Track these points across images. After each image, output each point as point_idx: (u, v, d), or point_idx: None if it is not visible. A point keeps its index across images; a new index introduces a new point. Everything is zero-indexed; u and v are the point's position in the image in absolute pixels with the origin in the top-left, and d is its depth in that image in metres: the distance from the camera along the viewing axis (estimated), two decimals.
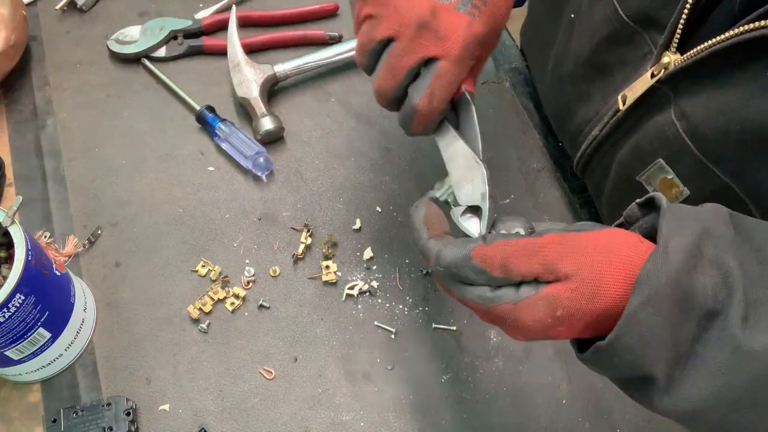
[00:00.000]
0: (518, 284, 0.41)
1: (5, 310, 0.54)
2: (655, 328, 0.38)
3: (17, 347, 0.58)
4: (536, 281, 0.41)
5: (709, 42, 0.47)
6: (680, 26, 0.50)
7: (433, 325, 0.67)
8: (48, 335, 0.60)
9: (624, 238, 0.40)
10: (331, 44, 0.85)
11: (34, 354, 0.61)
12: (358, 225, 0.73)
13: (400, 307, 0.68)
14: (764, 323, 0.37)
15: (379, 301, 0.69)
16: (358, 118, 0.81)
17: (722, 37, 0.46)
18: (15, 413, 0.63)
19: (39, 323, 0.59)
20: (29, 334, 0.58)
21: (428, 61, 0.49)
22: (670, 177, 0.54)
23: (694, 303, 0.38)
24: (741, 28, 0.45)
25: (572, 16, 0.65)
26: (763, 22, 0.43)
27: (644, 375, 0.40)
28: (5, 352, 0.58)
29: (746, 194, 0.48)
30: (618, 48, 0.59)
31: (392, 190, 0.76)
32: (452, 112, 0.53)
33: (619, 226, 0.44)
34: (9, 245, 0.60)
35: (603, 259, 0.39)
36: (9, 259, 0.62)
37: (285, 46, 0.87)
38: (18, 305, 0.55)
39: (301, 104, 0.82)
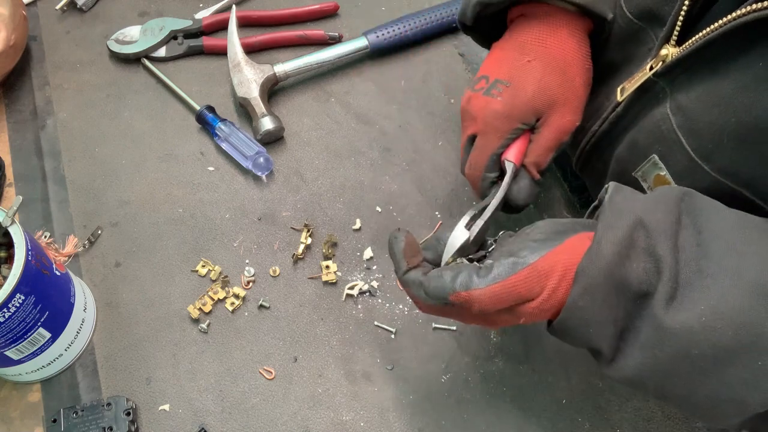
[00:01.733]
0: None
1: (5, 310, 0.54)
2: (593, 312, 0.45)
3: (17, 347, 0.58)
4: None
5: (704, 31, 0.48)
6: (680, 19, 0.51)
7: (433, 325, 0.67)
8: (48, 335, 0.60)
9: (577, 247, 0.46)
10: (331, 44, 0.85)
11: (34, 354, 0.61)
12: (358, 225, 0.73)
13: (400, 307, 0.68)
14: (687, 303, 0.43)
15: (379, 301, 0.69)
16: (358, 118, 0.81)
17: (715, 25, 0.47)
18: (15, 413, 0.63)
19: (39, 323, 0.59)
20: (29, 334, 0.58)
21: (474, 138, 0.61)
22: (662, 173, 0.54)
23: (629, 287, 0.44)
24: (735, 13, 0.45)
25: None
26: (752, 6, 0.44)
27: (593, 348, 0.47)
28: (5, 352, 0.58)
29: (741, 186, 0.48)
30: (623, 46, 0.59)
31: (392, 190, 0.76)
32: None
33: (594, 207, 0.50)
34: (9, 245, 0.60)
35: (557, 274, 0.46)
36: (9, 259, 0.62)
37: (285, 46, 0.87)
38: (18, 305, 0.55)
39: (301, 104, 0.82)
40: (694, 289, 0.43)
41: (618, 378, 0.47)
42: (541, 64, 0.58)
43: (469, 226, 0.54)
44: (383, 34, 0.83)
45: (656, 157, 0.55)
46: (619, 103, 0.59)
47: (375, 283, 0.70)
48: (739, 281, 0.42)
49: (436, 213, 0.74)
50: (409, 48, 0.87)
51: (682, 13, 0.50)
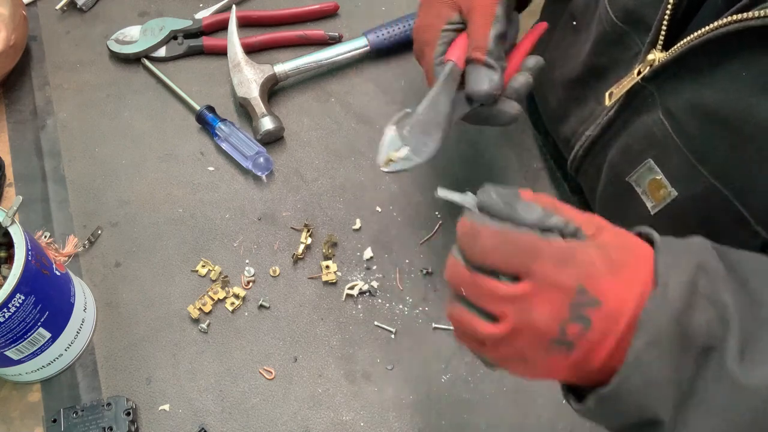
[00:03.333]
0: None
1: (5, 310, 0.54)
2: (659, 369, 0.37)
3: (17, 347, 0.58)
4: (574, 234, 0.40)
5: (688, 38, 0.48)
6: (665, 24, 0.50)
7: (433, 325, 0.67)
8: (48, 335, 0.60)
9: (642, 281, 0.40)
10: (331, 44, 0.84)
11: (34, 354, 0.61)
12: (358, 225, 0.73)
13: (400, 307, 0.68)
14: (760, 357, 0.37)
15: (379, 301, 0.69)
16: (358, 118, 0.81)
17: (699, 32, 0.46)
18: (15, 413, 0.63)
19: (39, 323, 0.59)
20: (29, 334, 0.58)
21: None
22: (658, 178, 0.54)
23: (692, 339, 0.38)
24: (718, 22, 0.45)
25: (574, 23, 0.66)
26: (735, 17, 0.43)
27: (650, 419, 0.39)
28: (5, 352, 0.58)
29: (734, 195, 0.48)
30: (610, 49, 0.59)
31: (392, 190, 0.76)
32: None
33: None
34: (9, 245, 0.60)
35: (637, 241, 0.41)
36: (9, 259, 0.62)
37: (285, 46, 0.87)
38: (18, 305, 0.55)
39: (301, 104, 0.82)
40: (763, 341, 0.38)
41: None
42: None
43: (402, 126, 0.55)
44: (383, 34, 0.83)
45: (651, 162, 0.54)
46: (609, 108, 0.58)
47: (375, 283, 0.70)
48: None
49: (436, 213, 0.74)
50: (409, 48, 0.86)
51: (666, 17, 0.50)
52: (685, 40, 0.48)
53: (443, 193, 0.45)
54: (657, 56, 0.51)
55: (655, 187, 0.54)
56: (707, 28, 0.46)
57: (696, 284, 0.38)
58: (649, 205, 0.55)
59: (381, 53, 0.85)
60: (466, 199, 0.43)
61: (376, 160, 0.56)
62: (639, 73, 0.53)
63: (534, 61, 0.58)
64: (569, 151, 0.67)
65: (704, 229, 0.49)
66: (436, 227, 0.73)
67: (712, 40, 0.45)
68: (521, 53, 0.59)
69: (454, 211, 0.74)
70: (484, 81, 0.54)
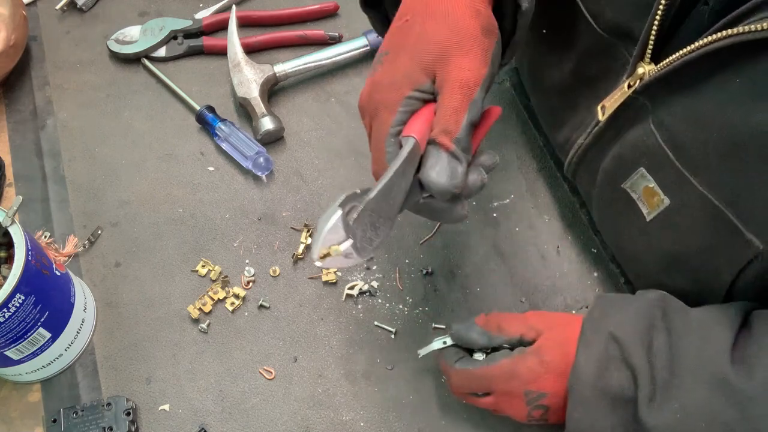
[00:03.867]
0: (510, 349, 0.56)
1: (5, 310, 0.54)
2: (591, 422, 0.51)
3: (17, 347, 0.58)
4: (519, 342, 0.56)
5: (680, 52, 0.48)
6: (652, 37, 0.50)
7: (433, 325, 0.67)
8: (48, 335, 0.60)
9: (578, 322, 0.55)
10: (331, 44, 0.85)
11: (34, 354, 0.61)
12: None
13: (400, 307, 0.68)
14: (664, 403, 0.47)
15: (379, 301, 0.69)
16: (358, 118, 0.81)
17: (691, 47, 0.47)
18: (15, 413, 0.63)
19: (39, 323, 0.59)
20: (29, 334, 0.58)
21: None
22: (651, 186, 0.54)
23: (615, 395, 0.50)
24: (708, 38, 0.45)
25: (544, 31, 0.66)
26: (727, 32, 0.44)
27: None
28: (5, 352, 0.58)
29: (726, 205, 0.48)
30: (598, 59, 0.59)
31: None
32: None
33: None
34: (9, 245, 0.60)
35: (566, 323, 0.56)
36: (9, 259, 0.62)
37: (285, 46, 0.87)
38: (18, 305, 0.55)
39: (301, 104, 0.82)
40: (669, 389, 0.47)
41: None
42: (420, 18, 0.49)
43: (347, 208, 0.45)
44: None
45: (644, 170, 0.54)
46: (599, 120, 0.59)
47: (375, 283, 0.70)
48: (700, 376, 0.46)
49: None
50: None
51: (654, 31, 0.50)
52: (677, 54, 0.48)
53: (424, 351, 0.61)
54: (646, 69, 0.51)
55: (649, 194, 0.54)
56: (700, 42, 0.46)
57: (608, 352, 0.50)
58: (644, 211, 0.56)
59: None
60: (437, 344, 0.59)
61: (311, 248, 0.49)
62: (630, 86, 0.53)
63: (490, 160, 0.51)
64: (564, 156, 0.67)
65: (698, 238, 0.51)
66: (436, 227, 0.73)
67: (705, 54, 0.46)
68: (475, 142, 0.50)
69: None
70: (445, 173, 0.46)
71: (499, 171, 0.77)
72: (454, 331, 0.58)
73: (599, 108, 0.57)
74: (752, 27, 0.42)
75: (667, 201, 0.53)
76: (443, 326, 0.67)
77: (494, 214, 0.74)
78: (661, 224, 0.54)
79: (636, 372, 0.49)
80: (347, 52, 0.83)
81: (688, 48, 0.47)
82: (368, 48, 0.83)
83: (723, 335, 0.48)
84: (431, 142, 0.47)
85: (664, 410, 0.47)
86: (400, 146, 0.47)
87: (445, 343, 0.59)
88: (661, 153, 0.52)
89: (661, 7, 0.48)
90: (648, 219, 0.55)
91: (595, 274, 0.70)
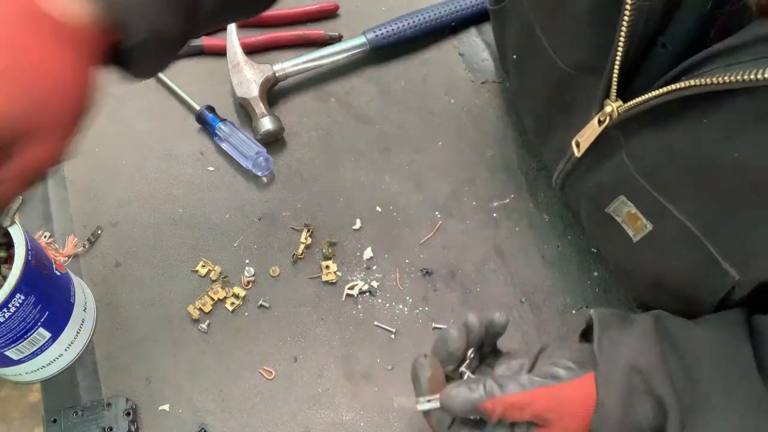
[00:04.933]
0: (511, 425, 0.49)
1: (5, 310, 0.54)
2: None
3: (17, 347, 0.58)
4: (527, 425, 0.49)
5: (642, 98, 0.48)
6: (615, 77, 0.50)
7: (433, 325, 0.67)
8: (48, 335, 0.60)
9: (590, 390, 0.48)
10: (331, 44, 0.84)
11: (34, 354, 0.61)
12: (358, 225, 0.73)
13: (400, 307, 0.68)
14: (696, 430, 0.45)
15: (379, 301, 0.69)
16: (358, 118, 0.81)
17: (650, 95, 0.47)
18: (15, 413, 0.63)
19: (39, 323, 0.59)
20: (29, 334, 0.58)
21: None
22: (633, 211, 0.54)
23: (642, 429, 0.46)
24: (663, 90, 0.46)
25: (514, 56, 0.68)
26: (677, 85, 0.44)
27: None
28: (5, 352, 0.58)
29: (703, 234, 0.48)
30: (568, 91, 0.59)
31: (392, 190, 0.76)
32: None
33: (584, 331, 0.53)
34: (9, 245, 0.59)
35: (576, 412, 0.47)
36: (9, 259, 0.62)
37: (285, 46, 0.87)
38: (18, 305, 0.55)
39: (301, 104, 0.82)
40: (696, 415, 0.45)
41: None
42: (11, 74, 0.41)
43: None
44: (382, 33, 0.83)
45: (624, 198, 0.55)
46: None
47: (375, 283, 0.70)
48: (731, 398, 0.45)
49: (436, 213, 0.74)
50: (409, 48, 0.87)
51: (615, 71, 0.50)
52: (639, 99, 0.49)
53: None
54: (614, 106, 0.52)
55: (632, 219, 0.55)
56: (656, 93, 0.47)
57: (631, 384, 0.46)
58: (630, 233, 0.56)
59: (381, 53, 0.85)
60: (424, 405, 0.51)
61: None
62: (600, 122, 0.54)
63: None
64: (553, 173, 0.67)
65: (680, 264, 0.51)
66: (436, 227, 0.73)
67: (667, 100, 0.46)
68: None
69: (455, 211, 0.74)
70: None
71: (499, 171, 0.77)
72: (448, 402, 0.49)
73: (574, 144, 0.58)
74: (699, 81, 0.42)
75: (649, 226, 0.53)
76: (443, 326, 0.67)
77: (494, 214, 0.74)
78: (647, 247, 0.54)
79: (663, 402, 0.46)
80: (347, 51, 0.83)
81: (647, 96, 0.48)
82: (367, 46, 0.83)
83: (742, 351, 0.46)
84: None
85: None
86: None
87: (430, 401, 0.51)
88: (637, 182, 0.52)
89: (620, 49, 0.48)
90: (634, 240, 0.55)
91: (595, 273, 0.70)
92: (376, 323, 0.68)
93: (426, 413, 0.51)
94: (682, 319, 0.50)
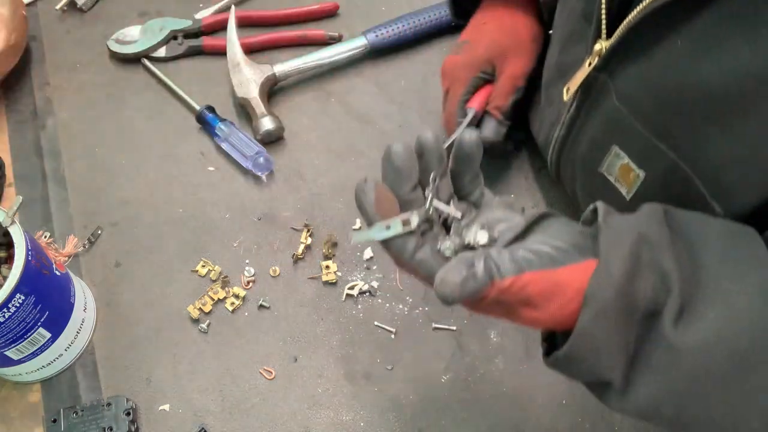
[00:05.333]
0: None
1: (5, 310, 0.54)
2: (605, 338, 0.40)
3: (17, 347, 0.58)
4: None
5: (627, 19, 0.49)
6: (603, 13, 0.52)
7: (433, 325, 0.67)
8: (48, 335, 0.60)
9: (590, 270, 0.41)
10: (331, 44, 0.85)
11: (34, 354, 0.61)
12: (358, 225, 0.73)
13: (400, 307, 0.68)
14: (696, 317, 0.40)
15: (379, 301, 0.69)
16: (358, 118, 0.81)
17: (636, 11, 0.48)
18: (15, 413, 0.63)
19: (39, 323, 0.59)
20: (29, 334, 0.58)
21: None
22: (625, 162, 0.55)
23: (637, 306, 0.40)
24: (645, 2, 0.47)
25: (550, 32, 0.70)
26: None
27: (601, 380, 0.43)
28: (5, 352, 0.58)
29: (691, 169, 0.49)
30: (573, 47, 0.61)
31: None
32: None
33: (583, 222, 0.46)
34: (9, 245, 0.60)
35: (570, 296, 0.41)
36: (9, 259, 0.62)
37: (285, 46, 0.87)
38: (18, 305, 0.55)
39: (301, 104, 0.82)
40: (700, 302, 0.40)
41: (631, 410, 0.42)
42: (494, 25, 0.71)
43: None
44: (382, 33, 0.83)
45: (617, 147, 0.56)
46: (569, 105, 0.60)
47: (375, 283, 0.70)
48: (745, 285, 0.40)
49: None
50: (409, 48, 0.87)
51: (603, 8, 0.52)
52: (625, 22, 0.50)
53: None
54: (603, 45, 0.53)
55: (624, 171, 0.56)
56: (641, 6, 0.47)
57: (638, 254, 0.40)
58: (623, 191, 0.57)
59: (381, 53, 0.85)
60: (381, 232, 0.42)
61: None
62: (590, 64, 0.55)
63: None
64: (547, 155, 0.68)
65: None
66: None
67: (649, 17, 0.47)
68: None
69: None
70: (493, 132, 0.70)
71: (499, 170, 0.77)
72: (443, 288, 0.41)
73: (564, 90, 0.60)
74: None
75: (642, 174, 0.54)
76: (443, 326, 0.67)
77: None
78: (640, 201, 0.54)
79: (668, 279, 0.40)
80: (347, 51, 0.83)
81: (633, 13, 0.49)
82: (367, 47, 0.83)
83: (754, 243, 0.42)
84: (487, 112, 0.71)
85: (697, 325, 0.40)
86: (465, 113, 0.70)
87: (388, 228, 0.42)
88: (630, 126, 0.53)
89: None
90: (628, 198, 0.56)
91: None
92: (376, 323, 0.68)
93: (385, 243, 0.43)
94: (692, 212, 0.45)
